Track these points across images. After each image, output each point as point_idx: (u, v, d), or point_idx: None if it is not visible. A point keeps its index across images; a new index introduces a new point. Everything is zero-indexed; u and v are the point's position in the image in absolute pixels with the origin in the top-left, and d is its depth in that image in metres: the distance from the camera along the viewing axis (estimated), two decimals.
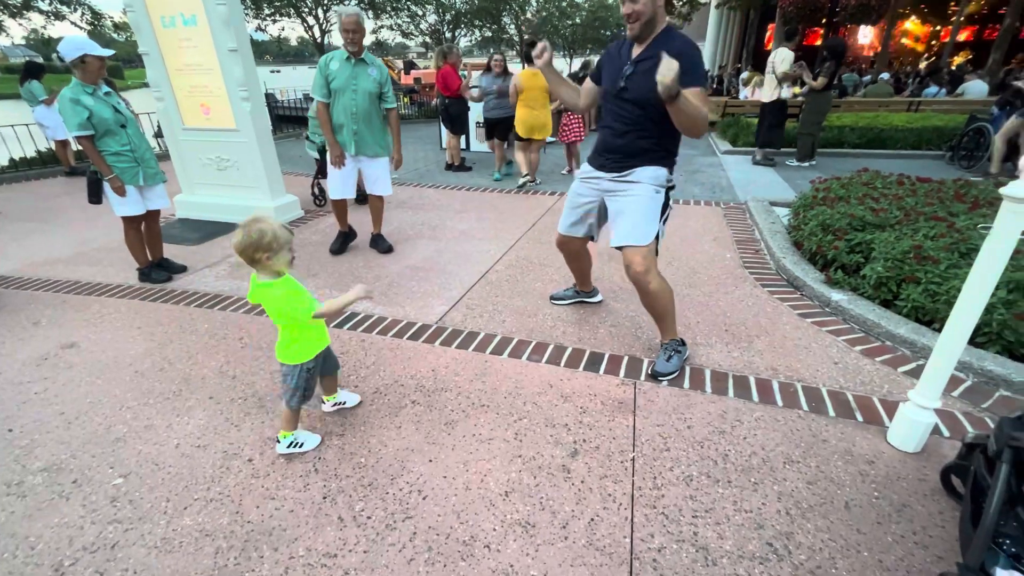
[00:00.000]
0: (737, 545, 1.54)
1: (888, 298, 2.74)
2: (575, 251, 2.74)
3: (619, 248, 2.29)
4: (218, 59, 4.29)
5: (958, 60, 16.75)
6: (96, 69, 3.07)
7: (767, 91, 6.75)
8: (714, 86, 15.56)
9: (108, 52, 3.11)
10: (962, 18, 16.92)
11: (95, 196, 3.25)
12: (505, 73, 6.24)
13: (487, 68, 6.40)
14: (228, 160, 4.74)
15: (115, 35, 22.39)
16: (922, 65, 17.95)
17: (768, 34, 18.35)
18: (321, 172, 4.24)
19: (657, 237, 2.27)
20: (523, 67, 6.15)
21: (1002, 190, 1.47)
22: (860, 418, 2.06)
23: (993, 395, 2.14)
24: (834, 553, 1.50)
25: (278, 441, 1.95)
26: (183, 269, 3.80)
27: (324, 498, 1.74)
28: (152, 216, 3.56)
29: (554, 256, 3.72)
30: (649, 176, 2.24)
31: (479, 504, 1.70)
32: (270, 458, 1.93)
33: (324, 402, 2.18)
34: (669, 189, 2.30)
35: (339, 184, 3.83)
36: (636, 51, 2.17)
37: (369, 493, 1.75)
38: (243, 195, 4.82)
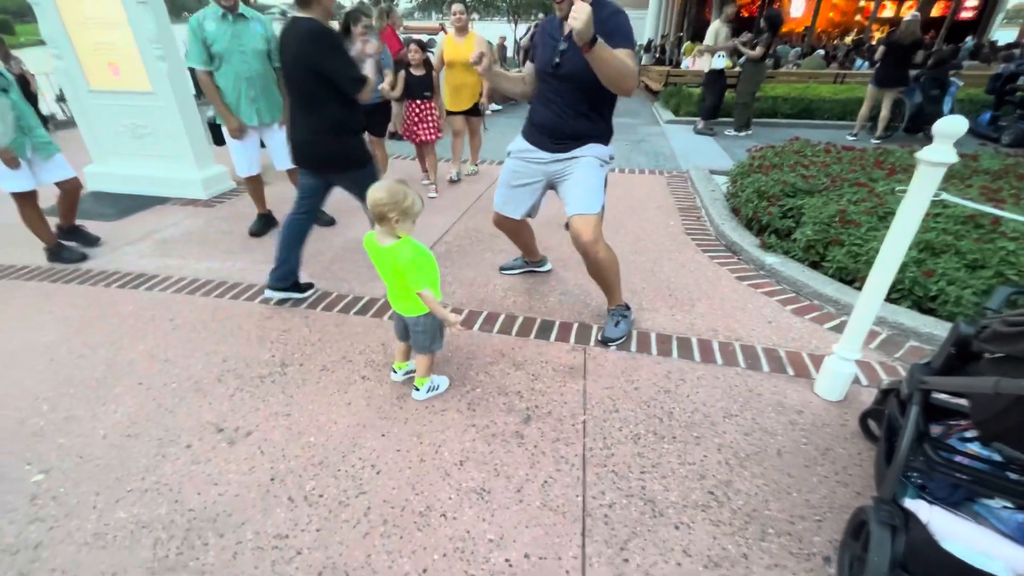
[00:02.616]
0: (682, 496, 1.63)
1: (816, 260, 2.93)
2: (513, 228, 2.69)
3: (570, 222, 2.27)
4: (126, 12, 3.85)
5: (879, 35, 17.72)
6: None
7: (703, 61, 6.92)
8: (657, 55, 15.71)
9: None
10: None
11: None
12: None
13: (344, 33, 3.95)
14: (145, 127, 4.31)
15: None
16: (848, 39, 18.88)
17: (708, 3, 18.62)
18: (216, 140, 3.70)
19: (602, 209, 2.30)
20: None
21: (917, 154, 1.57)
22: (791, 372, 2.20)
23: (904, 345, 2.35)
24: (768, 496, 1.62)
25: (416, 389, 2.02)
26: (97, 240, 3.50)
27: (272, 480, 1.68)
28: (69, 185, 3.26)
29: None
30: (592, 151, 2.26)
31: (434, 475, 1.70)
32: (211, 443, 1.83)
33: (395, 372, 2.16)
34: (608, 164, 2.34)
35: (244, 160, 3.47)
36: (567, 28, 2.11)
37: (320, 471, 1.71)
38: (164, 165, 4.42)
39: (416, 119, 4.39)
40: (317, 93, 2.26)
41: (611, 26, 1.93)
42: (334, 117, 2.42)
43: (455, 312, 1.96)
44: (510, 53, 17.57)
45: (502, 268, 3.09)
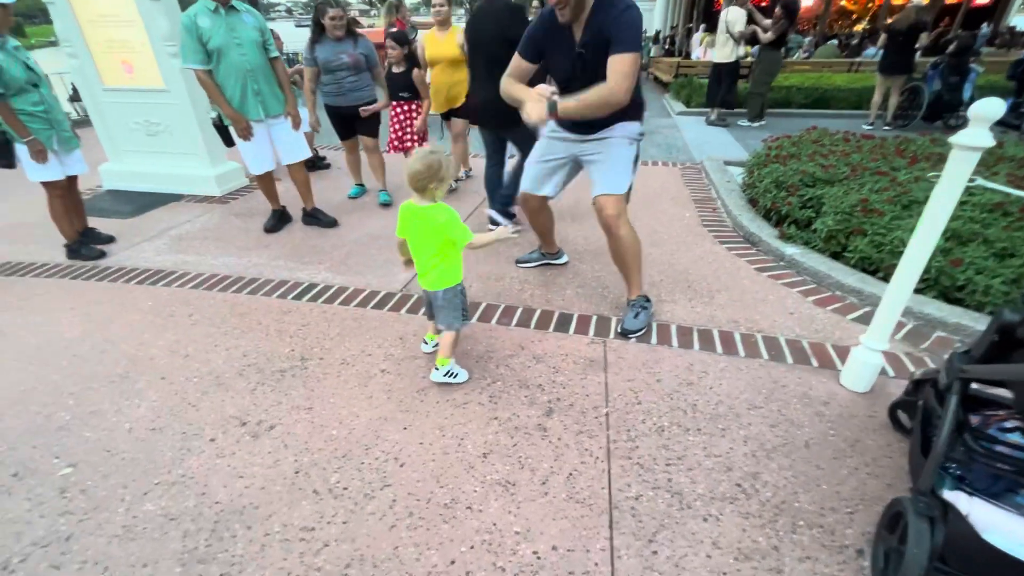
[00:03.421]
0: (709, 488, 1.61)
1: (837, 250, 2.88)
2: (536, 207, 2.69)
3: (594, 198, 2.29)
4: (138, 10, 3.86)
5: (890, 22, 17.42)
6: (1, 18, 2.70)
7: (720, 51, 6.80)
8: (666, 47, 15.55)
9: (10, 0, 2.73)
10: None
11: (5, 159, 2.91)
12: (351, 35, 3.65)
13: (318, 28, 3.58)
14: (159, 124, 4.33)
15: None
16: (859, 27, 18.56)
17: None
18: (226, 142, 3.56)
19: (629, 188, 2.31)
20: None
21: (951, 138, 1.53)
22: (815, 363, 2.17)
23: (931, 336, 2.30)
24: (796, 488, 1.60)
25: (436, 369, 2.05)
26: (111, 240, 3.52)
27: (296, 472, 1.69)
28: (71, 182, 3.26)
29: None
30: (621, 131, 2.25)
31: (458, 467, 1.69)
32: (235, 436, 1.84)
33: (426, 343, 2.26)
34: (639, 141, 2.32)
35: (256, 158, 3.41)
36: (578, 34, 2.09)
37: (344, 464, 1.71)
38: (178, 162, 4.45)
39: (400, 126, 3.94)
40: (505, 59, 2.36)
41: (615, 30, 1.94)
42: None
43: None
44: None
45: (518, 261, 3.07)
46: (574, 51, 2.10)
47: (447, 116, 4.21)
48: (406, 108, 3.93)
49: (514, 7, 3.06)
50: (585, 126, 2.27)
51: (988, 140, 1.47)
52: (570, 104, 2.01)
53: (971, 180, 1.56)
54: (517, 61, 2.26)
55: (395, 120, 3.92)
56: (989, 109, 1.44)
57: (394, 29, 3.78)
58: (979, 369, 1.18)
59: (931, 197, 1.63)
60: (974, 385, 1.42)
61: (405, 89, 3.76)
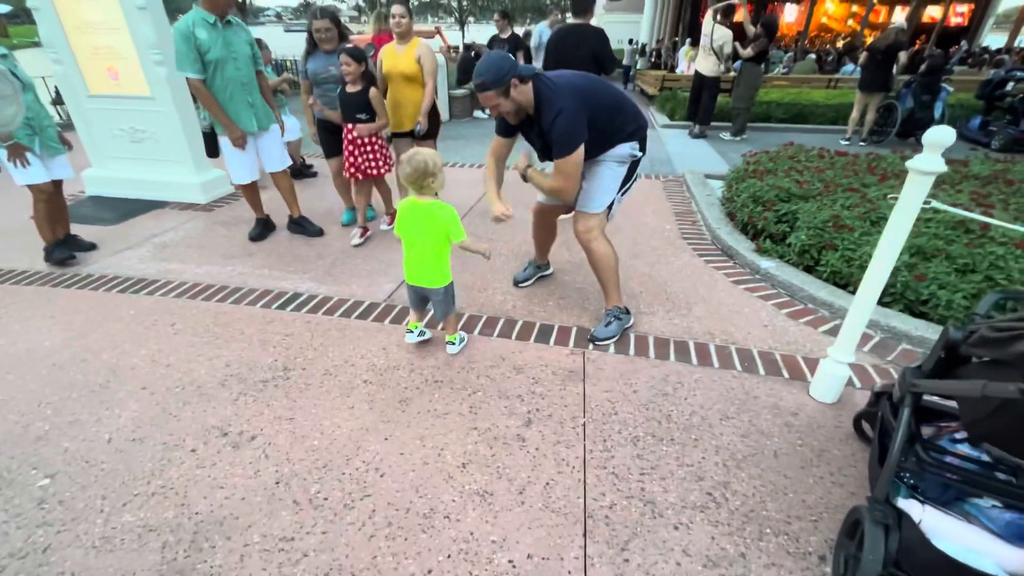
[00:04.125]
0: (680, 497, 1.66)
1: (810, 264, 2.97)
2: (546, 217, 2.81)
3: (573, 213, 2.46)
4: (125, 18, 3.87)
5: (870, 40, 17.94)
6: None
7: (704, 64, 6.95)
8: (652, 60, 15.83)
9: (4, 8, 2.75)
10: (874, 1, 18.05)
11: None
12: (342, 39, 3.54)
13: (312, 40, 3.51)
14: (144, 131, 4.33)
15: None
16: (839, 44, 19.06)
17: (703, 8, 18.79)
18: (211, 152, 3.52)
19: (611, 205, 2.42)
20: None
21: (908, 163, 1.62)
22: (786, 375, 2.24)
23: (897, 348, 2.39)
24: (764, 497, 1.66)
25: (451, 344, 2.38)
26: (92, 247, 3.51)
27: (277, 483, 1.70)
28: (57, 187, 3.27)
29: (502, 231, 3.74)
30: (611, 154, 2.32)
31: (437, 477, 1.73)
32: (216, 447, 1.85)
33: (410, 332, 2.41)
34: (635, 162, 2.39)
35: (242, 168, 3.45)
36: (535, 120, 2.21)
37: (324, 474, 1.74)
38: (163, 169, 4.44)
39: (357, 150, 3.42)
40: (590, 70, 3.10)
41: (550, 137, 2.12)
42: None
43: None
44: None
45: (517, 281, 3.02)
46: (536, 129, 2.25)
47: (404, 136, 3.69)
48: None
49: (599, 30, 3.83)
50: None
51: (940, 165, 1.55)
52: (539, 177, 2.34)
53: (927, 202, 1.65)
54: (496, 140, 2.47)
55: (349, 144, 3.43)
56: (941, 136, 1.53)
57: (349, 45, 3.33)
58: (927, 383, 1.26)
59: (890, 217, 1.72)
60: (932, 398, 1.50)
61: (361, 110, 3.32)
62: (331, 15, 3.46)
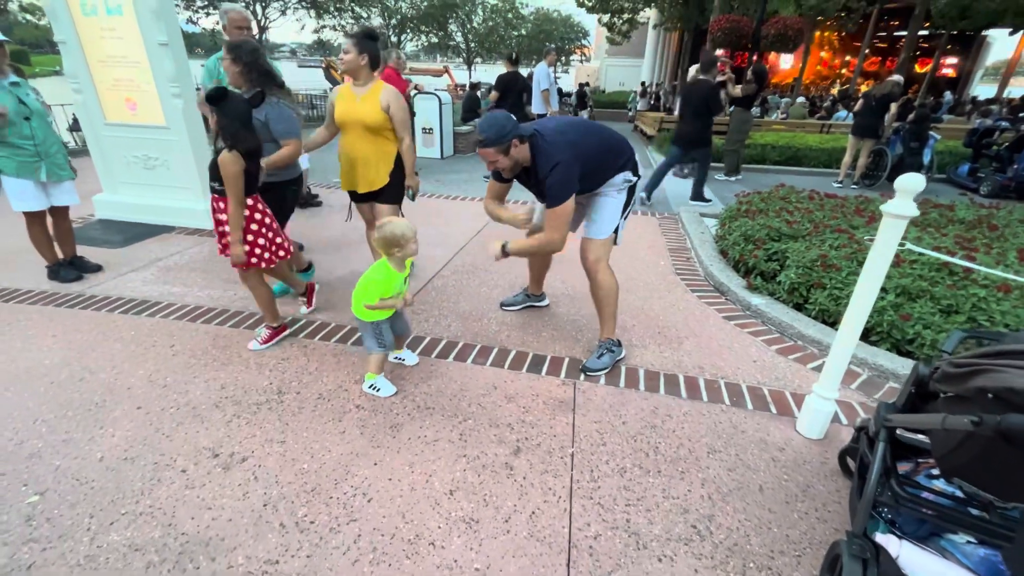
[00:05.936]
0: (665, 529, 1.67)
1: (800, 302, 3.04)
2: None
3: (581, 241, 2.53)
4: (147, 53, 4.07)
5: (864, 88, 18.55)
6: None
7: None
8: (651, 102, 16.36)
9: (1, 37, 2.93)
10: (867, 51, 18.78)
11: None
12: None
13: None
14: (157, 159, 4.48)
15: (22, 18, 20.41)
16: (834, 91, 19.72)
17: (700, 53, 19.55)
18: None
19: (617, 230, 2.50)
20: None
21: (882, 207, 1.70)
22: (774, 410, 2.27)
23: (884, 386, 2.43)
24: (749, 531, 1.67)
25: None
26: (98, 268, 3.59)
27: (265, 505, 1.72)
28: (60, 213, 3.39)
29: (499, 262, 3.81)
30: (609, 184, 2.43)
31: (424, 504, 1.74)
32: (206, 468, 1.87)
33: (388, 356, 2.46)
34: (632, 186, 2.49)
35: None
36: (531, 172, 2.32)
37: (312, 498, 1.75)
38: (173, 196, 4.56)
39: (266, 227, 2.51)
40: (702, 112, 5.56)
41: (544, 187, 2.21)
42: (705, 122, 5.65)
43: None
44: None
45: (503, 304, 3.16)
46: (532, 179, 2.36)
47: (363, 198, 3.02)
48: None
49: (714, 85, 5.65)
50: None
51: (912, 210, 1.64)
52: (522, 245, 2.41)
53: (902, 244, 1.73)
54: (492, 184, 2.55)
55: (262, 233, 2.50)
56: (911, 184, 1.61)
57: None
58: (899, 418, 1.29)
59: (868, 258, 1.79)
60: (908, 434, 1.53)
61: (215, 179, 2.35)
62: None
